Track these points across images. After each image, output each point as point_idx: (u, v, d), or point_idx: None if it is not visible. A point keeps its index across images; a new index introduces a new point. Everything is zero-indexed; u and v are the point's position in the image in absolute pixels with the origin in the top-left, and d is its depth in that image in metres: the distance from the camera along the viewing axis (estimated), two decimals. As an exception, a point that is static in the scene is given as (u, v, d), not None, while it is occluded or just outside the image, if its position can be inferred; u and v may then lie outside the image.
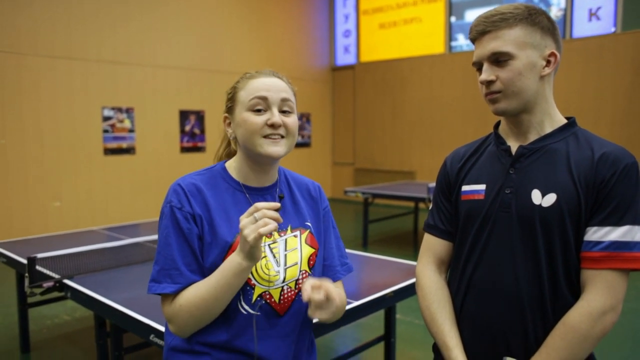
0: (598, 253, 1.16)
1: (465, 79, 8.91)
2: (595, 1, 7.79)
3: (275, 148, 1.23)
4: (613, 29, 7.65)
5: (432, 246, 1.43)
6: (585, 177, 1.18)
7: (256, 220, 1.10)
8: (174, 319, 1.21)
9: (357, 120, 10.70)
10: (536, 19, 1.22)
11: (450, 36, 9.38)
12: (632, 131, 7.43)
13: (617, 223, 1.15)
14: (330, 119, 11.07)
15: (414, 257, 6.22)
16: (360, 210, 6.96)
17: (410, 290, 2.54)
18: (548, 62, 1.24)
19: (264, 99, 1.23)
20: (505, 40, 1.21)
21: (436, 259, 1.42)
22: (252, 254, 1.12)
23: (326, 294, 1.16)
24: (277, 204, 1.13)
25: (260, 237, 1.09)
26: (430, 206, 1.49)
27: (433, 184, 6.28)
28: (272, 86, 1.25)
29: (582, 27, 7.95)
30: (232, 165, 1.33)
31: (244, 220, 1.11)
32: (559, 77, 1.38)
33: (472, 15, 9.10)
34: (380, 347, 3.07)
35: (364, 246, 6.63)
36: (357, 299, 2.29)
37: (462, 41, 9.25)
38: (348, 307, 2.19)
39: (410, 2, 9.84)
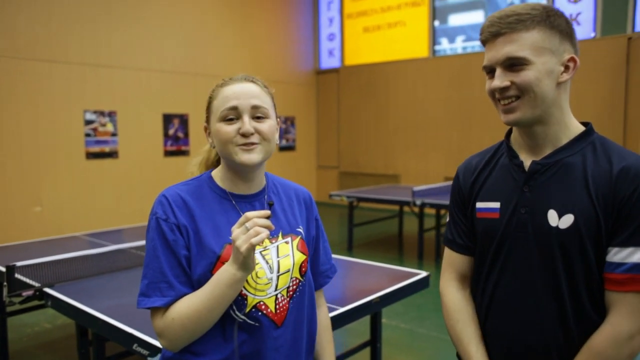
0: (621, 275, 1.10)
1: (449, 83, 8.99)
2: (575, 7, 7.93)
3: (250, 156, 1.22)
4: (593, 34, 7.78)
5: (453, 261, 1.39)
6: (603, 194, 1.12)
7: (247, 230, 1.09)
8: (165, 332, 1.18)
9: (341, 123, 10.72)
10: (555, 21, 1.13)
11: (434, 40, 9.45)
12: (613, 138, 7.54)
13: None
14: (314, 123, 11.07)
15: (399, 261, 6.24)
16: (345, 213, 6.97)
17: (397, 295, 2.54)
18: (567, 68, 1.16)
19: (234, 108, 1.22)
20: (522, 44, 1.12)
21: (458, 275, 1.38)
22: (246, 264, 1.11)
23: None
24: (267, 212, 1.13)
25: (252, 247, 1.09)
26: (447, 219, 1.44)
27: (418, 188, 6.31)
28: (242, 93, 1.23)
29: (563, 32, 8.06)
30: (218, 174, 1.32)
31: (236, 231, 1.11)
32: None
33: (455, 19, 9.18)
34: (366, 352, 3.07)
35: (349, 250, 6.63)
36: (343, 305, 2.28)
37: (445, 45, 9.32)
38: (334, 313, 2.19)
39: (395, 6, 9.90)
